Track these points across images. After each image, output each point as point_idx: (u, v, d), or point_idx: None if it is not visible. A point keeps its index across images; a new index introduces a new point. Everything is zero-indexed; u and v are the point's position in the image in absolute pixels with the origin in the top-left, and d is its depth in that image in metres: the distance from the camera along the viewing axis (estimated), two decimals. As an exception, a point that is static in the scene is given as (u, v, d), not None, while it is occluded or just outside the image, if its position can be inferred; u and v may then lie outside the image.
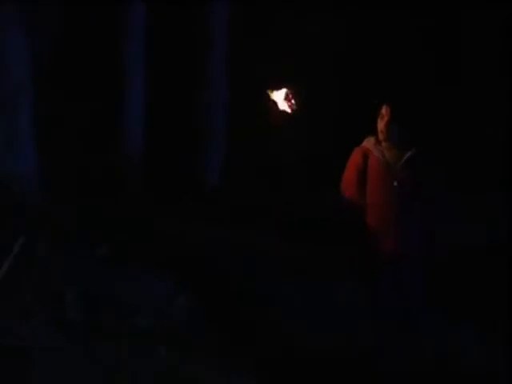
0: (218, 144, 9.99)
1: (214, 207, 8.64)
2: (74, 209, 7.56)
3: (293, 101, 4.19)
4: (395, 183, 4.40)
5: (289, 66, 9.64)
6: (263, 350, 5.19)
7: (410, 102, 4.54)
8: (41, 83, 8.30)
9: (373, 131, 4.57)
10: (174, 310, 5.69)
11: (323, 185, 8.35)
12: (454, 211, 4.76)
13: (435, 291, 4.65)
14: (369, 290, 4.54)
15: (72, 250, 6.45)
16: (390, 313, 4.45)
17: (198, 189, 9.45)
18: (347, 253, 4.75)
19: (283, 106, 4.23)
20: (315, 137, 9.45)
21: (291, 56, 9.92)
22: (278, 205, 8.73)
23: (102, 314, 5.31)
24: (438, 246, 4.50)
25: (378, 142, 4.51)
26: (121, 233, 7.11)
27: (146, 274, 6.17)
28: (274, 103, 4.23)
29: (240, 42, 9.97)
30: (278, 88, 4.23)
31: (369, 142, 4.56)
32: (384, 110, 4.46)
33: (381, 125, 4.46)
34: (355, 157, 4.53)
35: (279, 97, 4.23)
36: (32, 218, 7.09)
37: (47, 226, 6.98)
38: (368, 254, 4.47)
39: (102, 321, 5.22)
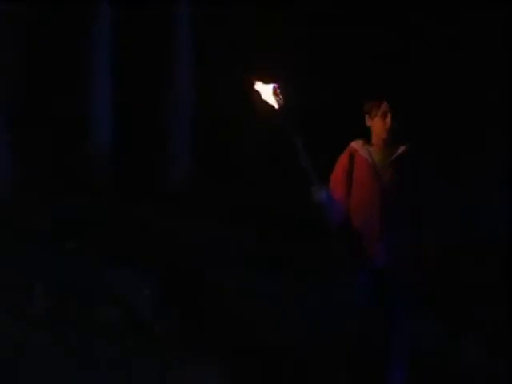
0: (184, 143, 10.10)
1: (180, 203, 8.72)
2: (45, 206, 7.62)
3: (281, 96, 3.98)
4: (382, 181, 4.21)
5: (258, 66, 9.77)
6: (228, 340, 5.26)
7: (407, 98, 4.43)
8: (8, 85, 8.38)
9: (361, 133, 4.40)
10: (140, 300, 5.78)
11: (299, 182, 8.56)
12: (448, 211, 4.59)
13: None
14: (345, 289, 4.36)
15: (42, 245, 6.55)
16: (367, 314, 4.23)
17: (163, 186, 9.55)
18: (322, 249, 4.62)
19: (270, 100, 4.01)
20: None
21: (262, 56, 10.02)
22: (246, 200, 8.81)
23: (69, 305, 5.38)
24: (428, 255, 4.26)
25: (366, 142, 4.35)
26: (90, 228, 7.21)
27: (112, 266, 6.27)
28: (258, 95, 4.03)
29: (205, 42, 10.03)
30: (265, 82, 4.03)
31: (357, 143, 4.38)
32: (384, 108, 4.26)
33: (386, 123, 4.25)
34: (342, 160, 4.36)
35: (266, 90, 4.02)
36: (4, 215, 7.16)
37: (19, 222, 7.03)
38: (349, 257, 4.26)
39: (70, 311, 5.30)
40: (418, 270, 4.21)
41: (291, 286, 6.34)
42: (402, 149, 4.27)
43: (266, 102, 4.00)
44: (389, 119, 4.23)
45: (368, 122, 4.34)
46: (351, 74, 8.92)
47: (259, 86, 4.04)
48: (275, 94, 3.99)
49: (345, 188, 4.28)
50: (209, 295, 6.19)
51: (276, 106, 4.00)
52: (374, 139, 4.33)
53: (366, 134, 4.38)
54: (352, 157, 4.31)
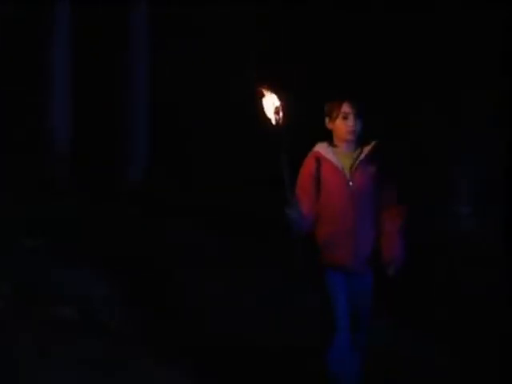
0: (142, 143, 10.11)
1: (139, 203, 8.74)
2: (4, 205, 7.61)
3: (281, 114, 3.90)
4: (350, 184, 4.14)
5: (213, 66, 9.87)
6: (185, 338, 5.30)
7: (368, 98, 4.33)
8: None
9: (323, 136, 4.30)
10: (97, 299, 5.79)
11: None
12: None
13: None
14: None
15: (1, 243, 6.52)
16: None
17: (123, 186, 9.56)
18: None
19: (271, 115, 3.93)
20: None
21: (216, 55, 10.10)
22: (205, 200, 8.90)
23: (26, 303, 5.37)
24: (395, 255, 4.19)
25: (330, 145, 4.26)
26: (49, 227, 7.19)
27: (70, 265, 6.26)
28: (261, 106, 3.94)
29: (161, 42, 10.07)
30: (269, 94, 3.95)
31: (321, 147, 4.27)
32: (346, 108, 4.18)
33: (347, 124, 4.17)
34: (308, 165, 4.24)
35: (270, 106, 3.93)
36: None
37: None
38: (315, 261, 4.19)
39: (26, 309, 5.28)
40: (386, 269, 4.18)
41: (251, 285, 6.40)
42: (366, 150, 4.22)
43: (264, 113, 3.95)
44: (351, 120, 4.16)
45: (329, 125, 4.26)
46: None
47: (266, 99, 3.94)
48: (276, 112, 3.91)
49: (313, 194, 4.18)
50: (168, 294, 6.22)
51: (273, 122, 3.92)
52: (337, 141, 4.25)
53: (327, 137, 4.31)
54: (318, 161, 4.21)
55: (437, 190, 7.81)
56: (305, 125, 4.47)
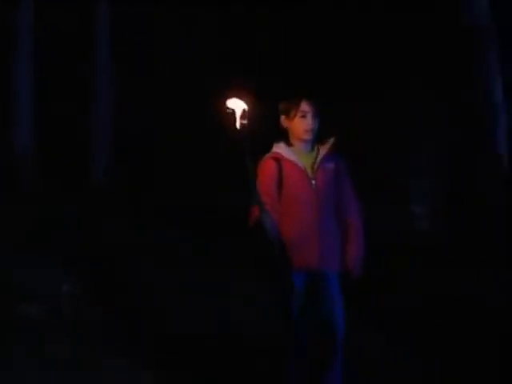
0: (106, 143, 10.18)
1: (102, 202, 8.79)
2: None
3: (246, 120, 3.77)
4: (313, 182, 4.02)
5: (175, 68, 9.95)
6: (148, 335, 5.33)
7: (325, 96, 4.16)
8: None
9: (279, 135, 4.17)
10: (61, 297, 5.84)
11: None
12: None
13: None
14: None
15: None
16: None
17: (87, 186, 9.61)
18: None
19: (237, 119, 3.79)
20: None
21: (178, 61, 10.18)
22: (168, 199, 8.95)
23: None
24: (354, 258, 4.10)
25: (288, 145, 4.12)
26: (13, 226, 7.25)
27: (34, 263, 6.31)
28: (232, 112, 3.80)
29: (125, 41, 10.11)
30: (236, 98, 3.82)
31: (280, 147, 4.12)
32: (304, 107, 4.05)
33: (305, 123, 4.05)
34: (268, 166, 4.07)
35: (237, 109, 3.81)
36: None
37: None
38: (280, 265, 3.94)
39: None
40: (348, 269, 4.08)
41: (215, 282, 6.42)
42: (325, 148, 4.11)
43: (229, 116, 3.81)
44: (309, 119, 4.04)
45: (284, 123, 4.13)
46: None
47: (232, 102, 3.81)
48: (242, 116, 3.78)
49: (276, 197, 4.03)
50: (130, 291, 6.27)
51: (238, 126, 3.79)
52: (293, 140, 4.12)
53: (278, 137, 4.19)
54: (279, 163, 4.06)
55: (389, 189, 7.85)
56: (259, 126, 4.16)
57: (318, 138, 4.14)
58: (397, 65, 8.14)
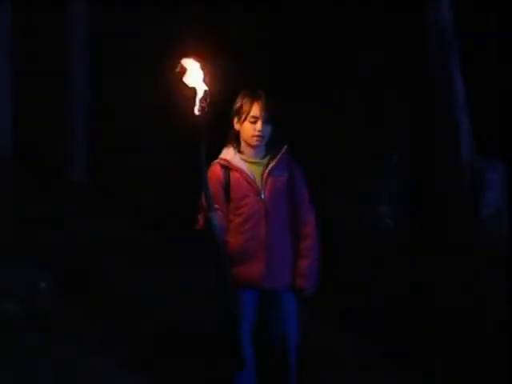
0: (83, 144, 10.22)
1: (79, 203, 8.86)
2: None
3: (205, 104, 3.46)
4: (262, 194, 3.78)
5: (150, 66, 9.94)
6: (124, 331, 5.47)
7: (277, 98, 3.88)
8: None
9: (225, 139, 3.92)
10: (37, 295, 5.96)
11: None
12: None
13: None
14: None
15: None
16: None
17: (64, 186, 9.65)
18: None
19: (196, 103, 3.48)
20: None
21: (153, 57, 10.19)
22: (144, 201, 9.06)
23: None
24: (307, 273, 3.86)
25: (237, 151, 3.85)
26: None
27: (10, 261, 6.38)
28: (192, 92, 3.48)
29: (101, 41, 10.15)
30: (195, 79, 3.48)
31: (228, 153, 3.86)
32: (256, 111, 3.78)
33: (254, 128, 3.78)
34: (215, 173, 3.81)
35: (199, 90, 3.48)
36: None
37: None
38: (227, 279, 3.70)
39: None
40: (300, 282, 3.84)
41: (184, 282, 6.53)
42: (277, 156, 3.84)
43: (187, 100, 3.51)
44: (259, 125, 3.78)
45: (236, 125, 3.86)
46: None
47: (187, 63, 3.49)
48: (203, 100, 3.48)
49: (224, 203, 3.80)
50: (106, 289, 6.40)
51: (196, 112, 3.50)
52: (244, 145, 3.86)
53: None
54: (226, 170, 3.81)
55: (354, 189, 7.88)
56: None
57: (272, 145, 3.88)
58: (360, 64, 8.15)
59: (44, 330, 5.32)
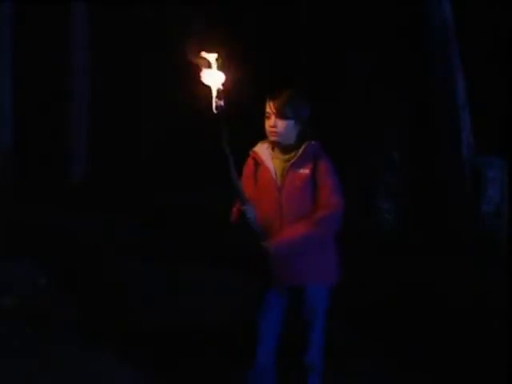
0: (83, 144, 10.24)
1: (78, 197, 8.89)
2: None
3: (222, 102, 3.44)
4: (280, 190, 3.78)
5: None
6: (123, 326, 5.50)
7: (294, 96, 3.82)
8: None
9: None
10: (38, 290, 6.00)
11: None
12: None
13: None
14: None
15: None
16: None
17: (64, 185, 9.69)
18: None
19: (212, 99, 3.46)
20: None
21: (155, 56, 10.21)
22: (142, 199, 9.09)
23: None
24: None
25: (270, 146, 3.89)
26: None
27: (11, 258, 6.45)
28: (208, 90, 3.47)
29: (102, 41, 10.15)
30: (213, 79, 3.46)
31: (260, 147, 3.91)
32: (268, 108, 3.81)
33: (269, 124, 3.81)
34: (248, 165, 3.92)
35: (213, 86, 3.46)
36: None
37: None
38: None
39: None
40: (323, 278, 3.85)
41: (188, 278, 6.59)
42: (297, 153, 3.81)
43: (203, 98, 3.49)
44: (271, 121, 3.80)
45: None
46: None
47: (208, 76, 3.47)
48: (218, 96, 3.47)
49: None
50: (104, 284, 6.43)
51: (214, 109, 3.48)
52: (272, 143, 3.89)
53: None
54: (256, 163, 3.89)
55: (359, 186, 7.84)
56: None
57: (300, 143, 3.83)
58: (360, 63, 8.13)
59: (44, 328, 5.35)
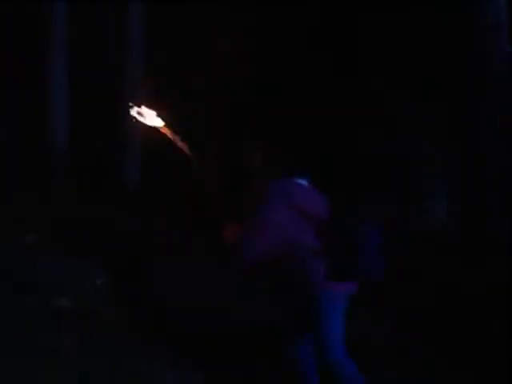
0: (134, 145, 10.34)
1: (133, 202, 8.99)
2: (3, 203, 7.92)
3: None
4: None
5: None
6: (175, 327, 5.57)
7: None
8: None
9: None
10: (94, 290, 6.09)
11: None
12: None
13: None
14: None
15: (2, 238, 6.82)
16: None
17: (118, 186, 9.85)
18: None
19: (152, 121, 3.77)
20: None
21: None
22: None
23: (27, 296, 5.59)
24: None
25: None
26: (48, 223, 7.52)
27: (68, 258, 6.50)
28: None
29: (81, 41, 10.15)
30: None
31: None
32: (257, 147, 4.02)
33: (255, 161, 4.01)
34: None
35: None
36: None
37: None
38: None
39: (26, 302, 5.51)
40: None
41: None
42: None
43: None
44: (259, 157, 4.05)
45: None
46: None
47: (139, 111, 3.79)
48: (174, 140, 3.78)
49: None
50: (156, 284, 6.52)
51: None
52: None
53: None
54: None
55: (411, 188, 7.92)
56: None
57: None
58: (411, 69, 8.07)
59: (95, 327, 5.40)
